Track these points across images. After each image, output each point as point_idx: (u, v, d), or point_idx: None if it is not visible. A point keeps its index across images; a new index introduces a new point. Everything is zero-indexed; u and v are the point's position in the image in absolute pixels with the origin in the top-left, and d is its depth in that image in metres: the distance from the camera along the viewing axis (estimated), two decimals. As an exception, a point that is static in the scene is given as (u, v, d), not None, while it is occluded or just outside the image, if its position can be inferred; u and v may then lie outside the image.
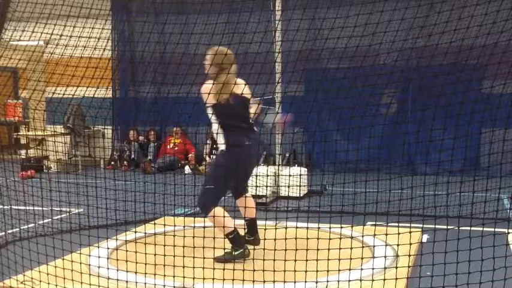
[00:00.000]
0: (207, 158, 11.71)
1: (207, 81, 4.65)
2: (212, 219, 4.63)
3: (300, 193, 8.22)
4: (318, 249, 3.72)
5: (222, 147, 4.73)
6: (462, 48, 4.27)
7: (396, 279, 3.73)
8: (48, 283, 3.95)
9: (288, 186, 8.04)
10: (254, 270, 3.73)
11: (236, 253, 4.65)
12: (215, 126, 4.68)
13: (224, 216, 4.64)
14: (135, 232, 4.50)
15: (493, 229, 3.65)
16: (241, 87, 4.75)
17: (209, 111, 4.61)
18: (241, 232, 4.85)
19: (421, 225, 4.44)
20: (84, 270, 4.11)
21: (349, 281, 3.80)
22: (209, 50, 4.70)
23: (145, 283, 3.90)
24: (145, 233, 4.49)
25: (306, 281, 3.78)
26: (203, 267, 3.79)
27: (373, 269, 4.11)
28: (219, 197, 4.81)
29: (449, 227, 3.67)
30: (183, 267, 3.81)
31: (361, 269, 3.92)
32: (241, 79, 4.81)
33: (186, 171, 11.79)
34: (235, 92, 4.58)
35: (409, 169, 10.20)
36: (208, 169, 5.17)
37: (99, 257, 4.23)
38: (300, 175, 8.41)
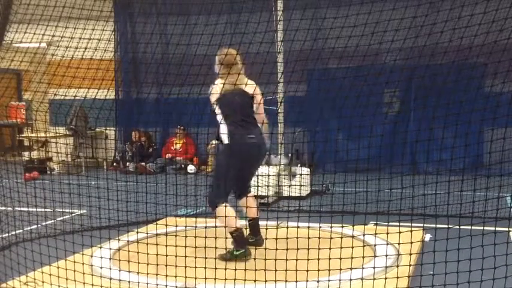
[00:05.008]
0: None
1: (216, 81, 4.83)
2: (218, 214, 4.66)
3: (301, 193, 8.22)
4: (319, 249, 3.73)
5: (225, 140, 4.76)
6: (472, 46, 4.25)
7: (398, 278, 3.73)
8: (51, 284, 3.97)
9: (289, 186, 8.04)
10: (256, 270, 3.73)
11: (237, 253, 4.67)
12: (219, 118, 4.78)
13: (232, 216, 4.66)
14: (137, 233, 4.52)
15: (494, 228, 3.66)
16: (249, 87, 4.87)
17: (215, 108, 4.75)
18: (244, 233, 4.87)
19: (424, 224, 4.45)
20: (86, 271, 4.13)
21: (351, 280, 3.80)
22: (218, 51, 4.84)
23: (147, 283, 3.91)
24: (147, 233, 4.51)
25: (307, 280, 3.79)
26: (205, 267, 3.80)
27: (374, 268, 4.11)
28: (225, 191, 4.84)
29: (452, 226, 3.67)
30: (185, 267, 3.82)
31: (363, 268, 3.92)
32: (252, 81, 4.91)
33: (190, 171, 11.82)
34: (239, 87, 4.77)
35: (414, 168, 10.20)
36: (214, 164, 5.25)
37: (101, 257, 4.25)
38: (301, 175, 8.41)
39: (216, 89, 4.74)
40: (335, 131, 10.58)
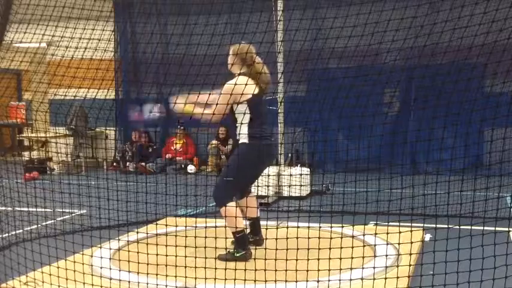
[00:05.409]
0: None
1: (234, 79, 4.67)
2: (224, 213, 4.65)
3: (301, 193, 8.22)
4: (319, 249, 3.73)
5: (245, 140, 4.69)
6: (472, 46, 4.25)
7: (398, 278, 3.73)
8: (51, 284, 3.97)
9: (289, 186, 8.03)
10: (256, 270, 3.73)
11: (238, 255, 4.65)
12: (240, 118, 4.66)
13: (239, 216, 4.67)
14: (137, 233, 4.52)
15: (494, 228, 3.66)
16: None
17: (239, 107, 4.63)
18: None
19: (424, 224, 4.45)
20: (86, 271, 4.13)
21: (351, 280, 3.80)
22: (231, 48, 4.80)
23: (147, 283, 3.91)
24: (147, 233, 4.51)
25: (307, 280, 3.79)
26: (205, 267, 3.80)
27: (374, 268, 4.11)
28: (236, 190, 4.85)
29: (452, 226, 3.68)
30: (185, 267, 3.82)
31: (363, 268, 3.92)
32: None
33: (190, 171, 11.83)
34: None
35: (414, 168, 10.20)
36: (230, 160, 5.13)
37: (101, 257, 4.25)
38: (301, 174, 8.41)
39: (248, 88, 4.44)
40: (335, 131, 10.58)
